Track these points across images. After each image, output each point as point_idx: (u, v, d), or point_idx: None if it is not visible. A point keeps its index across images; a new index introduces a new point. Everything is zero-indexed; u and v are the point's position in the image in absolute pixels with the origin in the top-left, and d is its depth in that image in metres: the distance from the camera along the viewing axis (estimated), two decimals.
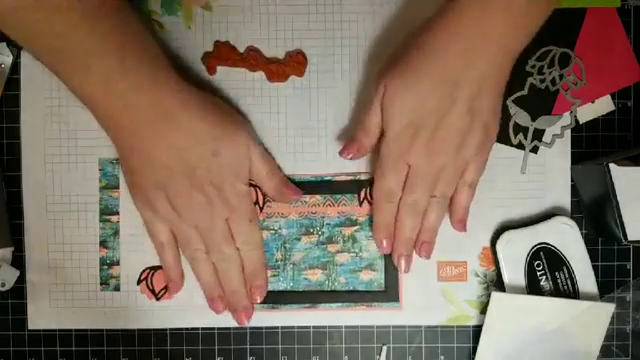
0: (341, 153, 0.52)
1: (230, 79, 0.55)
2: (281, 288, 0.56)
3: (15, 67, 0.55)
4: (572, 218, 0.55)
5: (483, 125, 0.48)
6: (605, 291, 0.55)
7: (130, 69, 0.45)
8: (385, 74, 0.49)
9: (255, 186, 0.55)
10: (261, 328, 0.56)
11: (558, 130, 0.55)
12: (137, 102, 0.46)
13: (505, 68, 0.47)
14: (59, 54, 0.44)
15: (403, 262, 0.53)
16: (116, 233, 0.56)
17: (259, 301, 0.54)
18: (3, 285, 0.54)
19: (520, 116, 0.55)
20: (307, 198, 0.56)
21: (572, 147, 0.56)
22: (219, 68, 0.55)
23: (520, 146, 0.56)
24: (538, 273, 0.55)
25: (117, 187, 0.56)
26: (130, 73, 0.45)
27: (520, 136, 0.55)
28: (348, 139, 0.52)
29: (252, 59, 0.55)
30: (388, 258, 0.55)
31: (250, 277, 0.54)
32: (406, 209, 0.51)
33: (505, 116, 0.55)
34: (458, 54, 0.46)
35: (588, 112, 0.56)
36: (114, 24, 0.45)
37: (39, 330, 0.56)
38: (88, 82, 0.45)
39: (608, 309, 0.54)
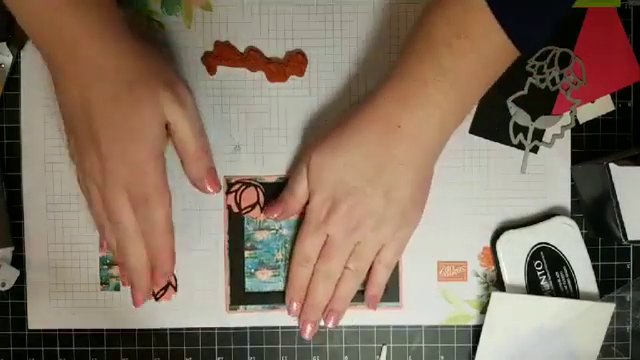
0: (265, 212, 0.54)
1: (230, 79, 0.55)
2: (281, 288, 0.56)
3: (15, 67, 0.55)
4: (572, 218, 0.55)
5: (401, 212, 0.49)
6: (605, 291, 0.55)
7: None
8: (313, 146, 0.51)
9: (256, 186, 0.55)
10: (261, 328, 0.56)
11: (558, 130, 0.56)
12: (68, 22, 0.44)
13: (426, 164, 0.50)
14: None
15: (309, 327, 0.53)
16: None
17: (157, 289, 0.53)
18: (3, 285, 0.54)
19: (520, 116, 0.55)
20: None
21: (572, 147, 0.56)
22: (219, 68, 0.55)
23: (520, 146, 0.56)
24: (538, 273, 0.55)
25: None
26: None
27: (520, 136, 0.56)
28: (276, 200, 0.54)
29: (252, 59, 0.55)
30: None
31: (151, 260, 0.50)
32: (319, 275, 0.52)
33: (505, 116, 0.55)
34: (378, 141, 0.48)
35: (588, 112, 0.56)
36: None
37: (39, 330, 0.56)
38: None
39: (608, 309, 0.54)
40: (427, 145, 0.48)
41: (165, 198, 0.49)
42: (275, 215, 0.53)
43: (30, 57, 0.55)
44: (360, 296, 0.55)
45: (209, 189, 0.52)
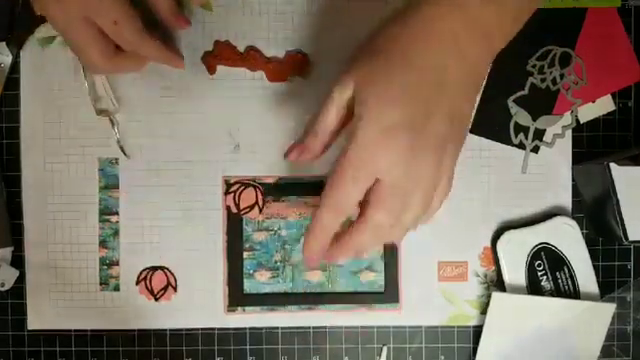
0: (286, 155, 0.45)
1: (230, 79, 0.55)
2: (281, 290, 0.56)
3: (15, 67, 0.55)
4: (573, 218, 0.55)
5: (464, 130, 0.43)
6: (606, 291, 0.55)
7: None
8: (357, 67, 0.41)
9: (255, 186, 0.55)
10: (261, 328, 0.56)
11: (559, 130, 0.55)
12: None
13: (483, 68, 0.43)
14: None
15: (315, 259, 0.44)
16: (116, 233, 0.56)
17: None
18: (2, 285, 0.54)
19: (521, 116, 0.55)
20: (307, 199, 0.55)
21: (573, 147, 0.56)
22: (219, 68, 0.55)
23: (521, 146, 0.56)
24: (539, 273, 0.55)
25: (117, 187, 0.56)
26: None
27: (521, 136, 0.55)
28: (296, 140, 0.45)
29: (252, 59, 0.55)
30: (388, 259, 0.55)
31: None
32: (368, 226, 0.41)
33: (506, 116, 0.55)
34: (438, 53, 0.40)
35: (589, 112, 0.56)
36: None
37: (39, 330, 0.56)
38: None
39: (609, 309, 0.54)
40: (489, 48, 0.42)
41: (130, 14, 0.48)
42: (294, 157, 0.44)
43: (30, 57, 0.55)
44: (360, 298, 0.55)
45: (181, 24, 0.52)
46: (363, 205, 0.41)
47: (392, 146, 0.39)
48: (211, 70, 0.55)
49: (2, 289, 0.54)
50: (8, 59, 0.54)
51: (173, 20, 0.51)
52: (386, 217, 0.41)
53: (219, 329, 0.56)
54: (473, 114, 0.45)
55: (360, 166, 0.39)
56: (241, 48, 0.55)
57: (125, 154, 0.55)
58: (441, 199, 0.42)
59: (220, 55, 0.55)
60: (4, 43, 0.54)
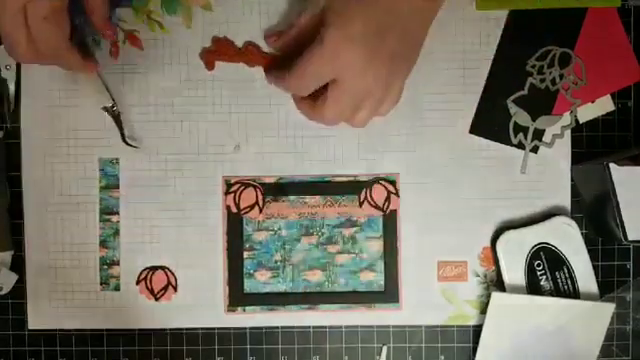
0: (265, 37, 0.54)
1: (229, 77, 0.55)
2: (281, 289, 0.56)
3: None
4: (572, 218, 0.55)
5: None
6: (605, 291, 0.55)
7: None
8: None
9: (255, 186, 0.55)
10: (261, 328, 0.56)
11: (558, 130, 0.55)
12: None
13: None
14: None
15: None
16: (116, 233, 0.56)
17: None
18: (1, 289, 0.54)
19: (520, 116, 0.55)
20: (307, 199, 0.56)
21: (572, 147, 0.56)
22: (217, 64, 0.55)
23: (520, 146, 0.56)
24: (538, 273, 0.55)
25: (117, 187, 0.56)
26: None
27: (520, 136, 0.55)
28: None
29: (250, 54, 0.55)
30: (388, 259, 0.55)
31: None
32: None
33: (505, 116, 0.55)
34: None
35: (588, 112, 0.56)
36: None
37: (39, 330, 0.56)
38: None
39: (608, 309, 0.54)
40: None
41: (62, 16, 0.47)
42: (272, 39, 0.54)
43: None
44: (360, 297, 0.55)
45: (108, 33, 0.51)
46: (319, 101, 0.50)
47: (352, 51, 0.46)
48: (209, 66, 0.55)
49: (0, 293, 0.54)
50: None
51: (104, 29, 0.51)
52: (337, 115, 0.49)
53: (219, 329, 0.56)
54: (425, 37, 0.50)
55: (323, 63, 0.47)
56: (239, 43, 0.55)
57: (133, 145, 0.55)
58: (388, 108, 0.50)
59: (218, 50, 0.55)
60: None
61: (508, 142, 0.56)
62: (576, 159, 0.55)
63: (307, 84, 0.49)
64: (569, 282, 0.55)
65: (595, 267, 0.55)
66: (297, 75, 0.48)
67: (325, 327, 0.56)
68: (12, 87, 0.55)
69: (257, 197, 0.55)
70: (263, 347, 0.56)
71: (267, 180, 0.56)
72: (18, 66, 0.55)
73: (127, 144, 0.55)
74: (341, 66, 0.46)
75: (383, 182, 0.56)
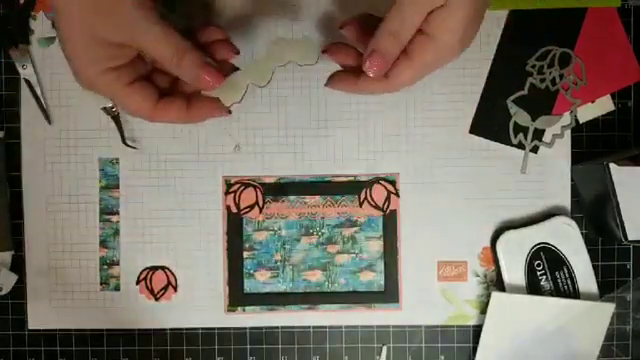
0: (364, 65, 0.43)
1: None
2: (281, 289, 0.56)
3: (14, 67, 0.55)
4: (572, 218, 0.55)
5: None
6: (605, 291, 0.55)
7: None
8: None
9: (255, 186, 0.55)
10: (261, 328, 0.56)
11: (558, 130, 0.55)
12: None
13: None
14: None
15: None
16: (116, 233, 0.56)
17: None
18: (1, 289, 0.54)
19: (520, 116, 0.55)
20: (307, 199, 0.56)
21: (572, 147, 0.56)
22: None
23: (520, 146, 0.56)
24: (538, 273, 0.55)
25: (117, 187, 0.56)
26: None
27: (520, 136, 0.55)
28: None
29: None
30: (388, 259, 0.55)
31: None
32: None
33: (505, 116, 0.55)
34: None
35: (588, 112, 0.56)
36: None
37: (39, 330, 0.56)
38: None
39: (608, 309, 0.54)
40: None
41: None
42: (375, 68, 0.43)
43: (30, 57, 0.55)
44: (360, 297, 0.55)
45: (209, 80, 0.43)
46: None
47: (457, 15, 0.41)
48: None
49: (0, 293, 0.54)
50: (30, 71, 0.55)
51: (201, 84, 0.44)
52: (415, 76, 0.44)
53: (219, 329, 0.56)
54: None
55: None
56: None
57: (133, 147, 0.55)
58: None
59: None
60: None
61: (508, 142, 0.56)
62: (576, 159, 0.56)
63: (402, 36, 0.42)
64: (569, 282, 0.55)
65: (595, 267, 0.55)
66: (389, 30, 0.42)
67: (325, 327, 0.56)
68: (38, 90, 0.55)
69: (257, 197, 0.55)
70: (263, 347, 0.56)
71: (267, 180, 0.56)
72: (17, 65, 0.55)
73: (127, 145, 0.55)
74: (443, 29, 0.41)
75: (383, 182, 0.56)
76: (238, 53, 0.47)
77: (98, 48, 0.42)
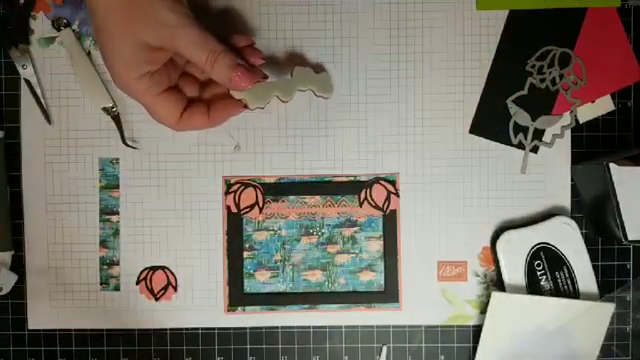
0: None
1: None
2: (280, 289, 0.56)
3: (14, 67, 0.55)
4: (572, 218, 0.55)
5: None
6: (605, 291, 0.55)
7: None
8: None
9: (255, 186, 0.55)
10: (261, 328, 0.56)
11: (558, 130, 0.55)
12: None
13: None
14: None
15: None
16: (116, 233, 0.56)
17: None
18: (1, 289, 0.54)
19: (520, 116, 0.55)
20: (307, 199, 0.56)
21: (572, 147, 0.56)
22: None
23: (520, 146, 0.56)
24: (538, 273, 0.55)
25: (117, 187, 0.56)
26: None
27: (520, 136, 0.55)
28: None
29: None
30: (388, 259, 0.55)
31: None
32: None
33: (505, 116, 0.55)
34: None
35: (588, 112, 0.56)
36: None
37: (39, 330, 0.56)
38: None
39: (608, 309, 0.54)
40: None
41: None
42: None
43: (30, 57, 0.55)
44: (360, 297, 0.55)
45: (240, 81, 0.47)
46: None
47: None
48: None
49: (0, 293, 0.54)
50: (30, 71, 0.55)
51: (234, 85, 0.48)
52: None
53: (219, 329, 0.56)
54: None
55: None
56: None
57: (133, 147, 0.55)
58: None
59: None
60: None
61: (508, 142, 0.56)
62: (576, 159, 0.56)
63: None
64: (569, 282, 0.55)
65: (595, 267, 0.55)
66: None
67: (325, 327, 0.56)
68: (38, 90, 0.55)
69: (257, 197, 0.55)
70: (263, 347, 0.56)
71: (267, 180, 0.56)
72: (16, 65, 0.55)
73: (127, 145, 0.55)
74: None
75: (383, 182, 0.56)
76: (264, 59, 0.50)
77: (139, 51, 0.45)
